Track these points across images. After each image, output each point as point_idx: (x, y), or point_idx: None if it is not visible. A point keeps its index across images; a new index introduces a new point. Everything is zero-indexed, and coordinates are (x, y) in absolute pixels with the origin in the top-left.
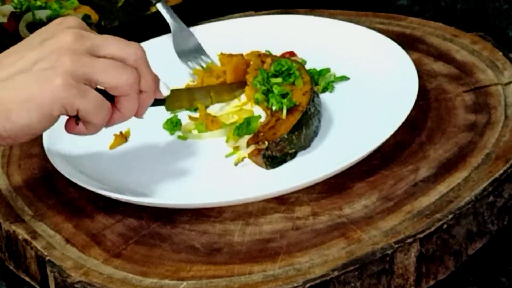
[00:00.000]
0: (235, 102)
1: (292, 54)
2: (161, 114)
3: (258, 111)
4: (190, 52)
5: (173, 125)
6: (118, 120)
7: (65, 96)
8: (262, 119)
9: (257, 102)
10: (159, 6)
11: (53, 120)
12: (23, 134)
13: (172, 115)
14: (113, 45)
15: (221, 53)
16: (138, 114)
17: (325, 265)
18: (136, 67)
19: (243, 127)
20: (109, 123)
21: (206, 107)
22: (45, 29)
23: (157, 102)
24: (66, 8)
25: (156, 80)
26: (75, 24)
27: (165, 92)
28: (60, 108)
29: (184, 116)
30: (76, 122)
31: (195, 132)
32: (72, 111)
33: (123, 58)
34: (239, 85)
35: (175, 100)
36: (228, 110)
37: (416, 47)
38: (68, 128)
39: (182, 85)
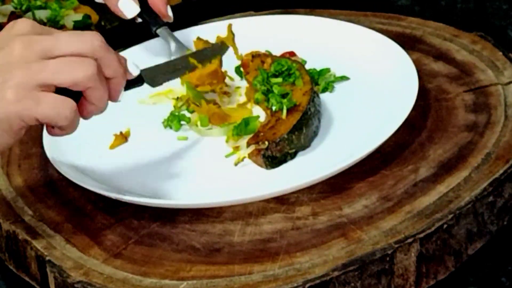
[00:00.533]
0: (240, 99)
1: (292, 54)
2: (161, 114)
3: (258, 111)
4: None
5: (177, 120)
6: (94, 111)
7: (19, 109)
8: (262, 119)
9: (257, 102)
10: (160, 32)
11: (17, 133)
12: None
13: (173, 109)
14: (66, 42)
15: (198, 38)
16: (113, 98)
17: (325, 265)
18: (96, 57)
19: (241, 127)
20: (85, 115)
21: (191, 71)
22: None
23: (137, 83)
24: (66, 8)
25: (122, 62)
26: (25, 28)
27: (134, 71)
28: (18, 121)
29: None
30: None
31: (198, 124)
32: (32, 121)
33: (80, 52)
34: (221, 46)
35: (155, 75)
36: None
37: (416, 47)
38: (48, 131)
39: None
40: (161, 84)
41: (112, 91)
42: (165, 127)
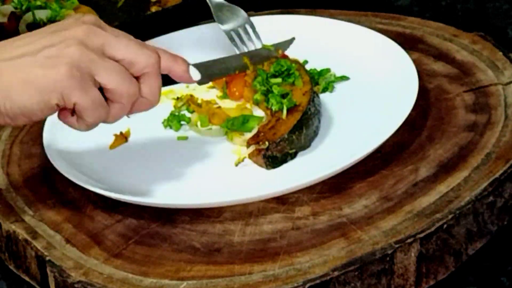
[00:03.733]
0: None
1: (284, 56)
2: (161, 114)
3: (259, 112)
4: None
5: (177, 120)
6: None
7: (66, 85)
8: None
9: (256, 103)
10: None
11: (51, 108)
12: (21, 116)
13: (173, 109)
14: (125, 47)
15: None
16: (129, 113)
17: (325, 265)
18: (143, 72)
19: (237, 122)
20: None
21: (241, 71)
22: (61, 22)
23: (173, 82)
24: (66, 8)
25: (156, 90)
26: (91, 20)
27: (196, 76)
28: (59, 97)
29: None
30: (71, 113)
31: (198, 124)
32: (69, 103)
33: (132, 62)
34: (278, 45)
35: (204, 71)
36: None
37: (416, 47)
38: (61, 115)
39: (182, 85)
40: (207, 82)
41: (132, 109)
42: (165, 127)
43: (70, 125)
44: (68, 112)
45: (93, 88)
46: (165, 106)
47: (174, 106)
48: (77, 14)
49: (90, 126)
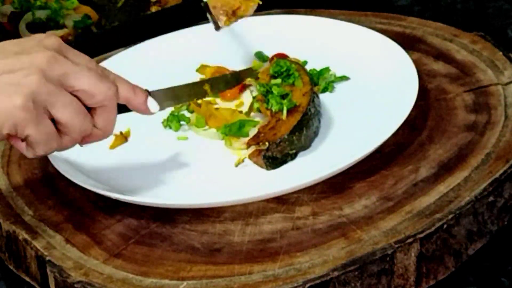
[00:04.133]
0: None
1: (283, 56)
2: (161, 114)
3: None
4: None
5: (176, 120)
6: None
7: (21, 117)
8: (258, 126)
9: (258, 110)
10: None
11: (1, 136)
12: None
13: (172, 109)
14: (85, 79)
15: (201, 65)
16: (81, 143)
17: (325, 265)
18: (101, 105)
19: (233, 128)
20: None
21: (199, 98)
22: (24, 41)
23: (128, 111)
24: (66, 8)
25: (112, 119)
26: (54, 45)
27: (154, 108)
28: (11, 128)
29: (186, 113)
30: (21, 139)
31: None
32: (22, 134)
33: (91, 95)
34: (244, 73)
35: (161, 100)
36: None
37: (416, 47)
38: (11, 139)
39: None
40: (164, 109)
41: (86, 139)
42: (165, 127)
43: (19, 149)
44: (18, 138)
45: (47, 121)
46: None
47: (174, 106)
48: (41, 34)
49: (38, 156)
